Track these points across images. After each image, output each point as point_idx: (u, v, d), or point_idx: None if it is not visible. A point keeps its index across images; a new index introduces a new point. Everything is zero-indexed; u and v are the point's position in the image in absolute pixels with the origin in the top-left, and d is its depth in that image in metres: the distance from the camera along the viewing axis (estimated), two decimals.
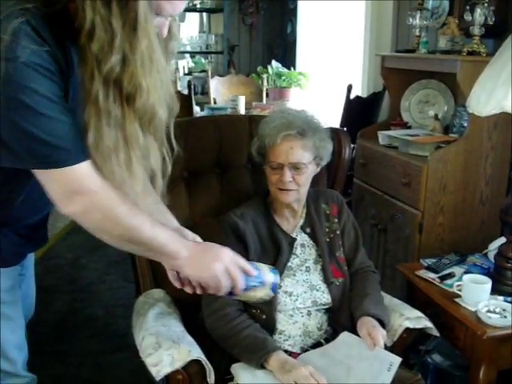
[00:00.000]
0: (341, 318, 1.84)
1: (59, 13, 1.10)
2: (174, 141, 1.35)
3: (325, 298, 1.83)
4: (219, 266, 1.33)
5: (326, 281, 1.84)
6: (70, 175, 1.16)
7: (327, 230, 1.91)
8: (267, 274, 1.43)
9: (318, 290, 1.83)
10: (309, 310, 1.81)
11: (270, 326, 1.75)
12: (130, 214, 1.23)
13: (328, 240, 1.90)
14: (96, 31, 1.07)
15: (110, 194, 1.20)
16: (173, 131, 1.34)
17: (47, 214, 1.52)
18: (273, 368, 1.58)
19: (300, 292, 1.81)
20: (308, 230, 1.90)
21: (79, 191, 1.17)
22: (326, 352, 1.73)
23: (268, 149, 1.79)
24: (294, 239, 1.87)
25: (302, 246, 1.88)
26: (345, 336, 1.76)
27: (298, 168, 1.77)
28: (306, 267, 1.85)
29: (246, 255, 1.71)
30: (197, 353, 1.56)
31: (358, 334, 1.74)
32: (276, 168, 1.78)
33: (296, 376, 1.53)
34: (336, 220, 1.93)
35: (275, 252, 1.82)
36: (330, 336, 1.82)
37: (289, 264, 1.83)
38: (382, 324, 1.75)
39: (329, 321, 1.85)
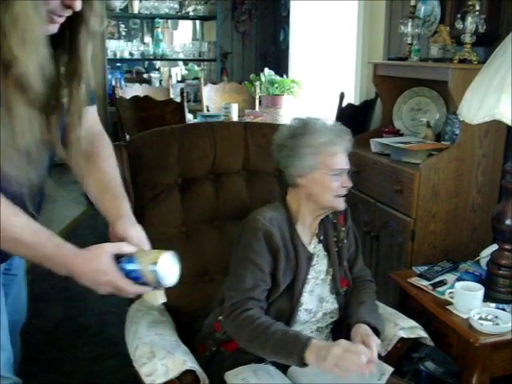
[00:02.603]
0: (342, 326, 1.83)
1: None
2: (83, 123, 1.39)
3: (333, 308, 1.82)
4: (104, 286, 1.31)
5: (334, 291, 1.83)
6: None
7: (335, 239, 1.88)
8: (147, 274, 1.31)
9: (327, 302, 1.81)
10: (318, 327, 1.81)
11: None
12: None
13: (337, 250, 1.87)
14: None
15: None
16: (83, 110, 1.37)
17: None
18: (311, 361, 1.51)
19: (315, 306, 1.80)
20: (322, 238, 1.85)
21: None
22: None
23: (329, 157, 1.74)
24: (312, 254, 1.81)
25: (317, 256, 1.83)
26: (339, 343, 1.74)
27: (347, 173, 1.81)
28: (322, 279, 1.82)
29: (275, 266, 1.70)
30: (191, 362, 1.55)
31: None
32: (337, 175, 1.75)
33: (333, 360, 1.47)
34: (343, 229, 1.91)
35: (295, 267, 1.75)
36: None
37: (307, 279, 1.79)
38: (377, 332, 1.73)
39: (332, 333, 1.84)
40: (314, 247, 1.83)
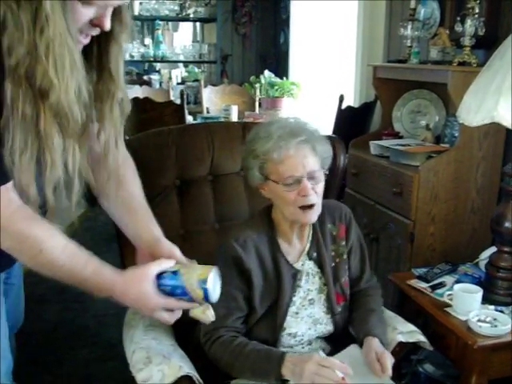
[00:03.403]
0: (341, 339, 1.76)
1: None
2: (120, 147, 1.36)
3: (328, 329, 1.74)
4: (148, 309, 1.30)
5: (330, 311, 1.73)
6: None
7: (333, 253, 1.75)
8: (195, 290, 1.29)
9: (321, 324, 1.73)
10: (310, 340, 1.74)
11: None
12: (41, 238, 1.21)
13: (333, 265, 1.75)
14: (7, 26, 1.06)
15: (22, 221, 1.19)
16: (122, 133, 1.36)
17: None
18: (288, 377, 1.49)
19: (304, 330, 1.71)
20: (314, 256, 1.72)
21: None
22: None
23: (277, 165, 1.58)
24: (298, 271, 1.69)
25: (307, 274, 1.72)
26: (352, 349, 1.71)
27: (315, 177, 1.59)
28: (309, 300, 1.72)
29: (249, 291, 1.64)
30: (188, 368, 1.53)
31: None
32: (292, 184, 1.57)
33: (308, 378, 1.45)
34: (343, 243, 1.77)
35: (277, 288, 1.66)
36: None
37: (292, 300, 1.69)
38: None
39: (330, 344, 1.77)
40: (302, 264, 1.72)
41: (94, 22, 1.17)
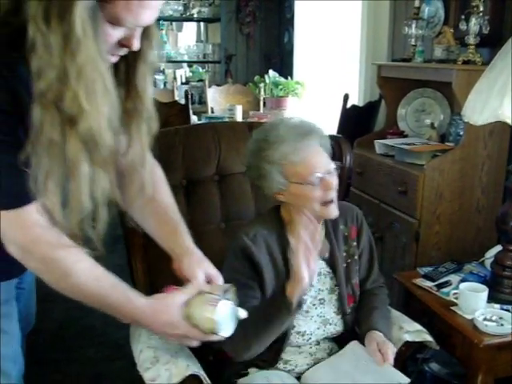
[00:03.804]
0: (349, 340, 1.76)
1: (18, 33, 1.06)
2: (147, 166, 1.34)
3: (337, 329, 1.75)
4: (173, 337, 1.33)
5: (340, 312, 1.74)
6: (7, 218, 1.16)
7: (345, 254, 1.76)
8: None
9: (331, 324, 1.73)
10: (317, 340, 1.74)
11: (276, 357, 1.69)
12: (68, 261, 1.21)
13: (345, 266, 1.76)
14: (37, 48, 1.03)
15: (50, 239, 1.18)
16: (149, 151, 1.33)
17: None
18: (292, 294, 1.50)
19: (313, 329, 1.70)
20: (326, 256, 1.73)
21: (18, 236, 1.18)
22: (333, 363, 1.69)
23: (296, 166, 1.58)
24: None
25: (318, 274, 1.71)
26: (353, 346, 1.72)
27: (331, 172, 1.62)
28: (320, 300, 1.72)
29: (262, 283, 1.63)
30: (195, 367, 1.53)
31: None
32: (317, 182, 1.58)
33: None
34: (355, 243, 1.79)
35: (285, 280, 1.61)
36: None
37: (303, 299, 1.63)
38: None
39: (338, 344, 1.78)
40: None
41: (122, 43, 1.15)
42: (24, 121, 1.10)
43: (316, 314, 1.72)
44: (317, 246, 1.54)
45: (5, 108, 1.08)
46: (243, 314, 1.36)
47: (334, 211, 1.63)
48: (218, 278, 1.43)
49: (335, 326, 1.74)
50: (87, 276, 1.23)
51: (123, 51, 1.18)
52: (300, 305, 1.53)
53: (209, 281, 1.41)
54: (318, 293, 1.73)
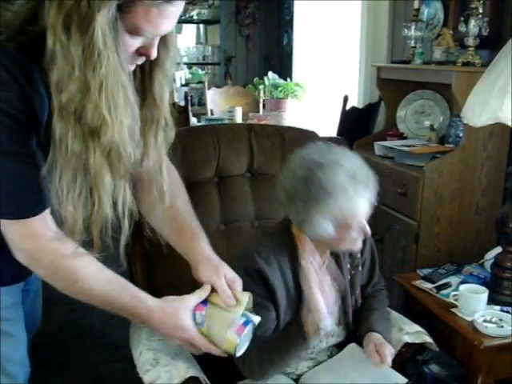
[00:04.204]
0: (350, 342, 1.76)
1: (36, 41, 1.05)
2: (164, 175, 1.33)
3: (338, 340, 1.74)
4: (179, 341, 1.34)
5: (343, 322, 1.73)
6: (16, 227, 1.16)
7: (349, 266, 1.74)
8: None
9: (332, 336, 1.72)
10: (318, 351, 1.73)
11: None
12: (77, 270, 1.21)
13: (349, 277, 1.74)
14: (57, 59, 1.02)
15: (59, 250, 1.19)
16: (166, 159, 1.33)
17: None
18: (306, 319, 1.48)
19: (316, 343, 1.68)
20: (332, 270, 1.65)
21: (26, 245, 1.19)
22: (332, 366, 1.69)
23: (347, 220, 1.49)
24: None
25: None
26: (352, 348, 1.72)
27: None
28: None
29: (276, 304, 1.59)
30: (195, 369, 1.53)
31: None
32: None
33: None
34: (359, 255, 1.76)
35: (298, 303, 1.60)
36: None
37: None
38: None
39: (338, 349, 1.77)
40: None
41: (140, 51, 1.14)
42: (37, 132, 1.09)
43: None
44: (327, 272, 1.54)
45: (21, 118, 1.07)
46: (257, 320, 1.38)
47: (359, 244, 1.59)
48: (238, 283, 1.42)
49: (337, 338, 1.74)
50: (96, 280, 1.24)
51: (141, 60, 1.17)
52: (318, 332, 1.51)
53: (229, 284, 1.40)
54: None
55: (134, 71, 1.20)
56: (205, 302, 1.35)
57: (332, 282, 1.66)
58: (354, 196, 1.46)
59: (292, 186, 1.50)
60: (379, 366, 1.60)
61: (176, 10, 1.10)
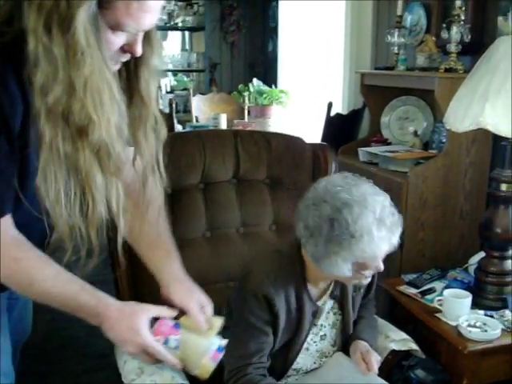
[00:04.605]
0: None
1: (13, 44, 1.04)
2: (163, 173, 1.31)
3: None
4: (131, 346, 1.27)
5: (340, 343, 1.71)
6: None
7: (352, 289, 1.70)
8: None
9: (326, 356, 1.71)
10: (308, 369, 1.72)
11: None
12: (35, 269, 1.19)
13: (351, 299, 1.70)
14: (40, 62, 1.01)
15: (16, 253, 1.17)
16: (160, 160, 1.31)
17: None
18: None
19: (309, 365, 1.68)
20: (337, 295, 1.66)
21: None
22: (319, 375, 1.69)
23: (367, 262, 1.45)
24: (319, 308, 1.63)
25: (324, 311, 1.66)
26: (338, 357, 1.71)
27: None
28: (321, 336, 1.68)
29: (275, 329, 1.55)
30: (180, 379, 1.52)
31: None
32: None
33: None
34: None
35: (296, 324, 1.59)
36: None
37: (306, 337, 1.63)
38: None
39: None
40: (323, 303, 1.65)
41: (124, 49, 1.13)
42: (5, 136, 1.08)
43: (315, 350, 1.68)
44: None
45: None
46: (225, 342, 1.36)
47: (368, 281, 1.57)
48: (209, 307, 1.40)
49: (330, 358, 1.72)
50: (51, 283, 1.21)
51: (126, 57, 1.16)
52: None
53: (201, 308, 1.38)
54: (320, 329, 1.68)
55: (120, 70, 1.19)
56: (177, 325, 1.32)
57: (334, 304, 1.68)
58: (379, 241, 1.40)
59: (315, 222, 1.43)
60: (365, 374, 1.59)
61: (156, 3, 1.09)
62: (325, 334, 1.69)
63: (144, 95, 1.24)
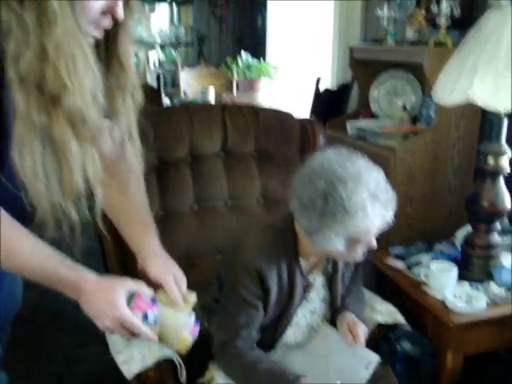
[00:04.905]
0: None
1: None
2: (136, 140, 1.29)
3: None
4: (107, 319, 1.24)
5: (330, 318, 1.72)
6: None
7: (343, 265, 1.70)
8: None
9: (315, 331, 1.71)
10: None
11: None
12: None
13: (341, 275, 1.70)
14: (12, 30, 0.98)
15: None
16: (136, 127, 1.28)
17: None
18: None
19: (299, 339, 1.69)
20: (329, 270, 1.67)
21: None
22: (306, 348, 1.69)
23: (360, 237, 1.45)
24: (310, 283, 1.65)
25: (315, 286, 1.67)
26: (325, 330, 1.71)
27: None
28: (311, 311, 1.69)
29: (266, 304, 1.56)
30: (168, 350, 1.52)
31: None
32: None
33: None
34: None
35: (288, 299, 1.60)
36: None
37: (296, 312, 1.65)
38: None
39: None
40: (314, 278, 1.66)
41: (105, 11, 1.10)
42: None
43: (305, 325, 1.69)
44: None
45: None
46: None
47: (360, 258, 1.56)
48: (184, 282, 1.39)
49: (317, 331, 1.72)
50: (28, 256, 1.19)
51: (108, 21, 1.12)
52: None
53: (176, 283, 1.37)
54: (311, 304, 1.69)
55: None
56: (153, 301, 1.31)
57: (324, 280, 1.68)
58: (373, 215, 1.40)
59: (309, 197, 1.43)
60: (353, 346, 1.61)
61: None
62: (315, 309, 1.69)
63: (123, 62, 1.22)
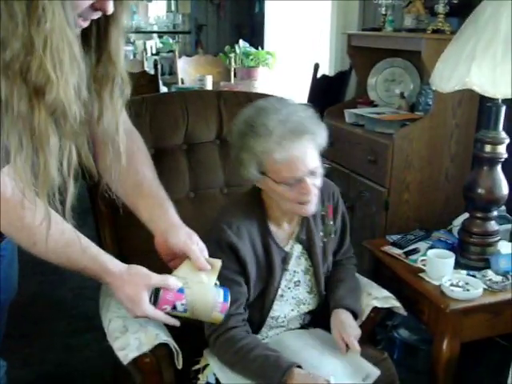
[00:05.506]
0: (321, 312, 1.77)
1: None
2: (121, 133, 1.30)
3: (310, 308, 1.75)
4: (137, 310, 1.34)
5: (315, 291, 1.74)
6: None
7: (322, 234, 1.72)
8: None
9: (304, 304, 1.73)
10: (289, 320, 1.74)
11: None
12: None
13: (322, 245, 1.72)
14: (1, 18, 0.97)
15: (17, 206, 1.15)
16: (122, 117, 1.30)
17: None
18: None
19: (287, 312, 1.71)
20: (303, 238, 1.69)
21: None
22: (303, 336, 1.70)
23: (277, 165, 1.48)
24: (287, 254, 1.67)
25: (294, 257, 1.69)
26: (319, 332, 1.73)
27: (315, 173, 1.53)
28: (295, 282, 1.71)
29: (246, 277, 1.59)
30: (165, 336, 1.52)
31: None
32: (293, 183, 1.50)
33: None
34: (331, 222, 1.74)
35: (268, 273, 1.63)
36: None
37: (280, 284, 1.67)
38: (355, 315, 1.69)
39: (309, 315, 1.79)
40: (291, 247, 1.69)
41: (95, 6, 1.09)
42: None
43: (291, 297, 1.71)
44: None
45: None
46: (226, 292, 1.42)
47: (309, 210, 1.57)
48: (206, 251, 1.43)
49: (308, 305, 1.74)
50: (55, 243, 1.23)
51: (96, 15, 1.12)
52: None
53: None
54: (293, 275, 1.70)
55: (89, 28, 1.16)
56: (180, 290, 1.35)
57: (303, 250, 1.70)
58: (281, 140, 1.46)
59: (235, 126, 1.57)
60: (344, 354, 1.60)
61: None
62: (298, 280, 1.71)
63: (112, 54, 1.21)
